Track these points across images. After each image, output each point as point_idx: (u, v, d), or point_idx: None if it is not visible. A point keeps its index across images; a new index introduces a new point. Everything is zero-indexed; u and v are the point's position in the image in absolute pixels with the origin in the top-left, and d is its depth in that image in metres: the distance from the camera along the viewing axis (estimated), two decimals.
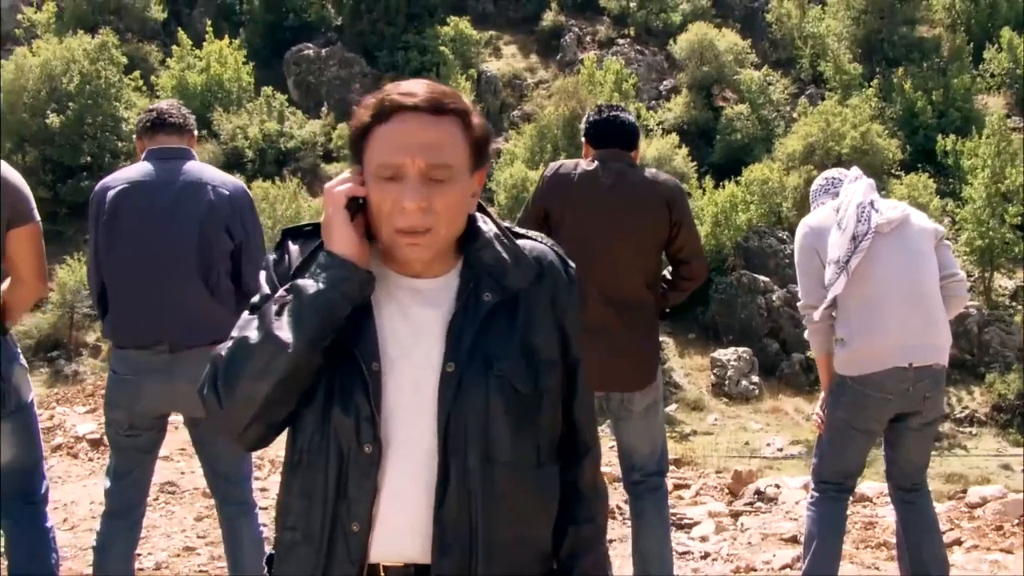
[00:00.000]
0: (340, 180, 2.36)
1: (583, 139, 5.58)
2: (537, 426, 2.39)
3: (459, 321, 2.34)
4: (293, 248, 2.43)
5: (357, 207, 2.34)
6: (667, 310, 5.67)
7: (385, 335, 2.34)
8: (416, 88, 2.31)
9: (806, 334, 5.61)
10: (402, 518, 2.30)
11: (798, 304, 5.62)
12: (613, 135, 5.47)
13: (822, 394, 5.66)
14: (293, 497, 2.37)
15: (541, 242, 2.51)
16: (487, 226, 2.45)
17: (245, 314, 2.36)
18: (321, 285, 2.27)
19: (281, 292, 2.32)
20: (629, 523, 5.72)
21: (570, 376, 2.49)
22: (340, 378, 2.31)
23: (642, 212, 5.32)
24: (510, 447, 2.33)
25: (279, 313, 2.27)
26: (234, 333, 2.32)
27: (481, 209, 2.48)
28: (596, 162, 5.38)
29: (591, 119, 5.57)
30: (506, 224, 2.51)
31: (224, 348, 2.31)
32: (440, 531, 2.28)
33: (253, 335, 2.28)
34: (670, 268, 5.61)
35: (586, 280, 5.16)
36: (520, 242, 2.47)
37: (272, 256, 2.45)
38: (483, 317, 2.35)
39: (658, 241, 5.38)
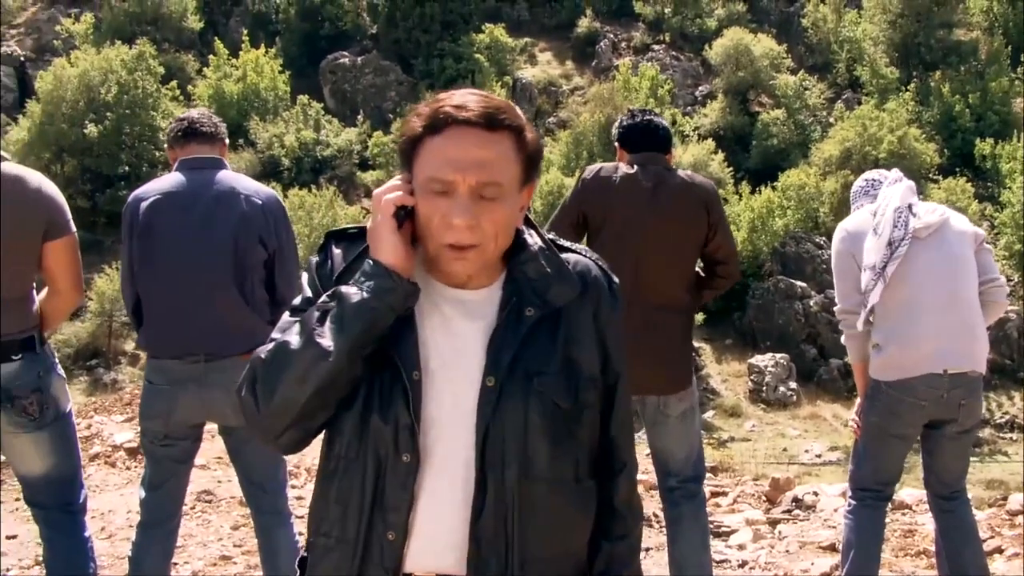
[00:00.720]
0: (390, 187, 2.34)
1: (616, 144, 5.59)
2: (576, 441, 2.39)
3: (500, 335, 2.34)
4: (336, 251, 2.43)
5: (405, 214, 2.32)
6: (700, 309, 5.66)
7: (427, 346, 2.34)
8: (470, 101, 2.29)
9: (843, 339, 5.57)
10: (437, 529, 2.30)
11: (835, 309, 5.59)
12: (648, 139, 5.49)
13: (858, 400, 5.62)
14: (329, 503, 2.37)
15: (585, 255, 2.51)
16: (532, 239, 2.45)
17: (286, 316, 2.37)
18: (365, 294, 2.26)
19: (324, 298, 2.31)
20: (665, 531, 5.68)
21: (609, 392, 2.48)
22: (380, 386, 2.30)
23: (682, 215, 5.33)
24: (548, 463, 2.33)
25: (321, 320, 2.26)
26: (275, 335, 2.33)
27: (528, 222, 2.47)
28: (635, 166, 5.37)
29: (624, 123, 5.59)
30: (550, 236, 2.50)
31: (264, 351, 2.31)
32: (476, 545, 2.28)
33: (294, 340, 2.28)
34: (702, 266, 5.60)
35: (625, 283, 5.19)
36: (564, 256, 2.47)
37: (315, 258, 2.45)
38: (525, 332, 2.34)
39: (697, 243, 5.40)
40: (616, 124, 5.71)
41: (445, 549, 2.30)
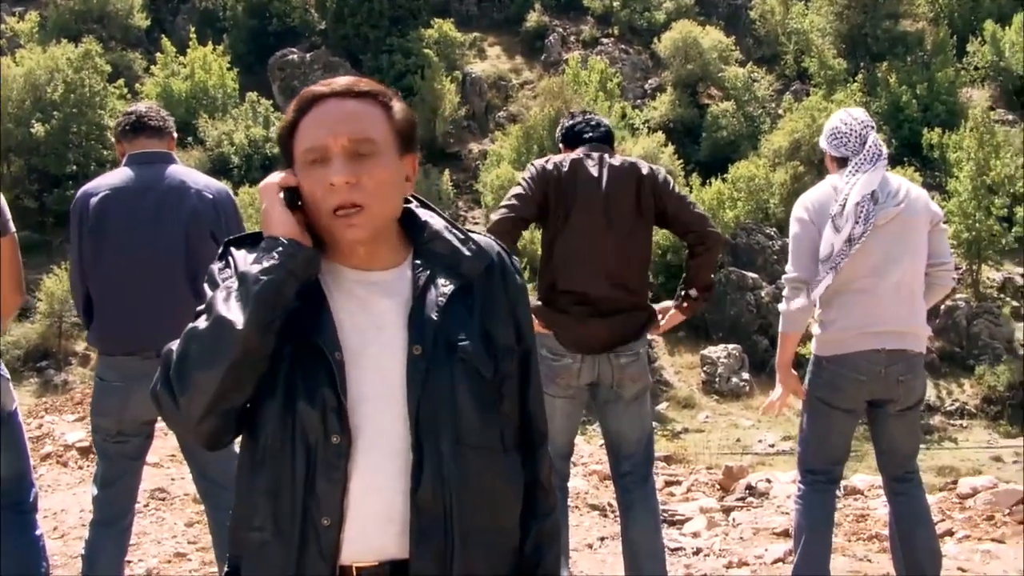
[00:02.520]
0: (273, 176, 2.41)
1: (560, 144, 5.71)
2: (499, 412, 2.42)
3: (419, 307, 2.37)
4: (238, 255, 2.43)
5: (293, 204, 2.37)
6: (705, 298, 5.67)
7: (345, 327, 2.35)
8: (336, 80, 2.42)
9: (782, 306, 5.56)
10: (375, 508, 2.29)
11: (784, 277, 5.54)
12: (591, 133, 5.60)
13: (775, 391, 5.73)
14: (258, 496, 2.34)
15: (484, 236, 2.57)
16: (434, 219, 2.50)
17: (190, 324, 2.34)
18: (265, 264, 2.28)
19: (227, 282, 2.32)
20: (619, 520, 5.72)
21: (524, 364, 2.53)
22: (303, 372, 2.31)
23: (625, 189, 5.42)
24: (478, 431, 2.36)
25: (226, 299, 2.27)
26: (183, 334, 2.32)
27: (423, 204, 2.53)
28: (582, 154, 5.49)
29: (565, 124, 5.77)
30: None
31: (174, 343, 2.31)
32: (417, 516, 2.28)
33: (202, 323, 2.28)
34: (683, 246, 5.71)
35: (588, 264, 5.27)
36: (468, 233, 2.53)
37: (216, 265, 2.45)
38: (444, 303, 2.37)
39: (649, 219, 5.48)
40: (559, 127, 5.87)
41: (384, 527, 2.29)
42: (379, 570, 2.30)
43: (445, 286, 2.39)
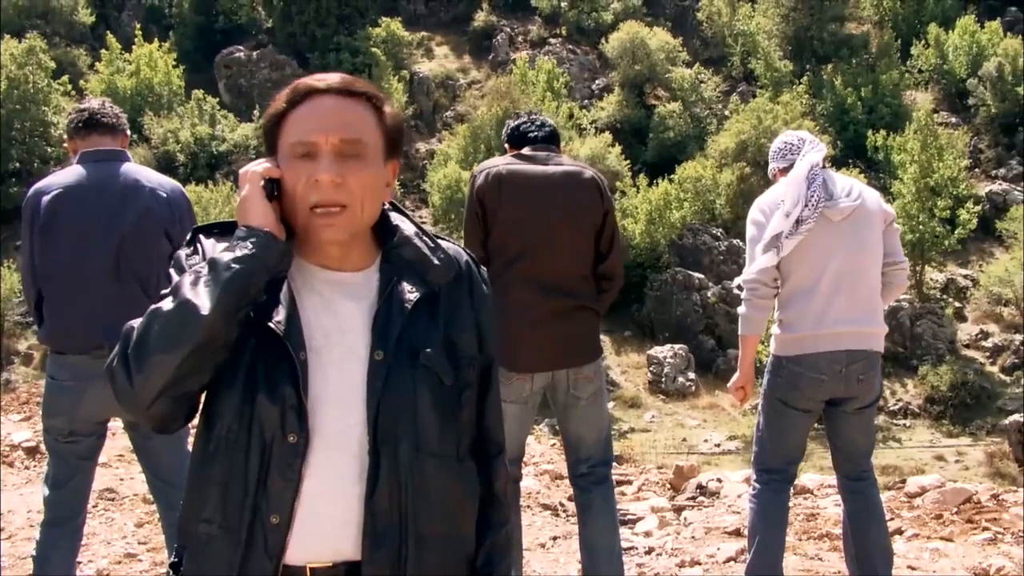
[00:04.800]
0: (256, 163, 2.39)
1: (506, 145, 5.71)
2: (457, 420, 2.43)
3: (384, 312, 2.36)
4: (207, 242, 2.42)
5: (272, 195, 2.36)
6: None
7: (310, 325, 2.34)
8: (330, 75, 2.41)
9: (741, 309, 5.59)
10: (330, 509, 2.28)
11: (742, 279, 5.56)
12: (535, 134, 5.60)
13: (737, 373, 5.72)
14: (209, 486, 2.32)
15: (454, 244, 2.57)
16: (405, 224, 2.50)
17: (152, 306, 2.29)
18: (239, 252, 2.26)
19: (197, 266, 2.29)
20: (574, 519, 5.72)
21: (485, 374, 2.53)
22: (265, 366, 2.29)
23: (579, 192, 5.42)
24: (438, 439, 2.36)
25: (195, 283, 2.24)
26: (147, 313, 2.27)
27: (397, 209, 2.53)
28: (528, 153, 5.50)
29: (511, 126, 5.76)
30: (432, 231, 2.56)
31: (136, 322, 2.27)
32: (371, 521, 2.28)
33: (167, 304, 2.24)
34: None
35: (525, 261, 5.26)
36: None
37: (184, 251, 2.43)
38: (409, 310, 2.37)
39: (593, 224, 5.46)
40: (504, 127, 5.87)
41: (339, 529, 2.28)
42: (334, 571, 2.30)
43: (411, 293, 2.39)
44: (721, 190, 42.06)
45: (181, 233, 5.00)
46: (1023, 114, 45.93)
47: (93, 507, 8.12)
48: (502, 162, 5.47)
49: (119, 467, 9.52)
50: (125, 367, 2.23)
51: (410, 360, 2.34)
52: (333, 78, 2.40)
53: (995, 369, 36.33)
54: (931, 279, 40.68)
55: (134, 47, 48.20)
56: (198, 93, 47.14)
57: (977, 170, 45.40)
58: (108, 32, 50.13)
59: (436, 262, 2.45)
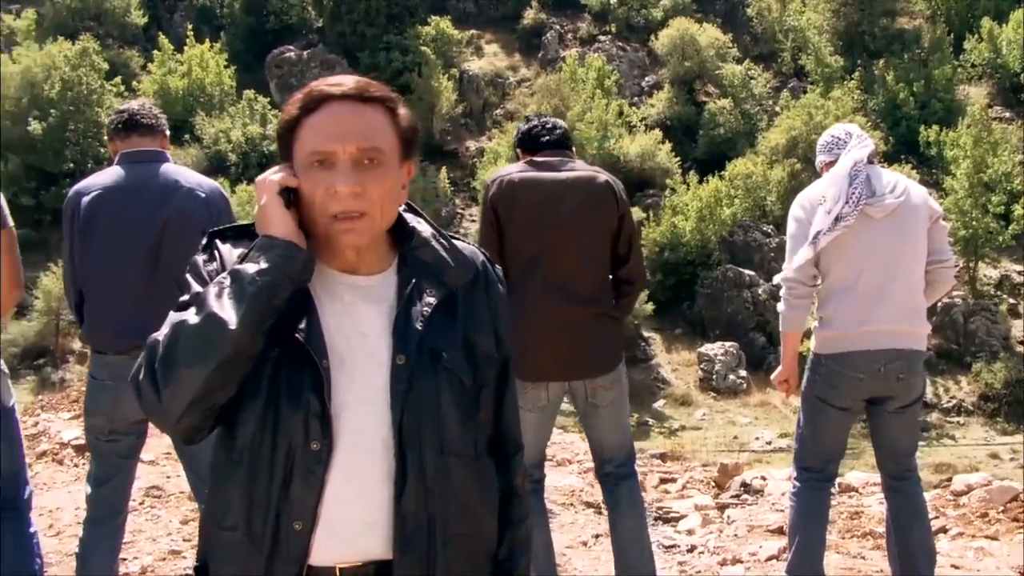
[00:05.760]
0: (272, 172, 2.38)
1: (517, 151, 5.69)
2: (476, 420, 2.44)
3: (404, 315, 2.37)
4: (224, 248, 2.42)
5: (289, 202, 2.35)
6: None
7: (331, 331, 2.34)
8: (343, 79, 2.38)
9: (780, 306, 5.57)
10: (355, 512, 2.29)
11: (781, 277, 5.54)
12: (546, 137, 5.58)
13: (780, 367, 5.72)
14: (233, 495, 2.33)
15: (470, 244, 2.58)
16: (422, 226, 2.50)
17: (172, 313, 2.31)
18: (263, 265, 2.26)
19: (220, 278, 2.29)
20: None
21: (502, 374, 2.54)
22: (287, 374, 2.29)
23: (593, 197, 5.41)
24: (460, 439, 2.37)
25: (219, 296, 2.24)
26: (167, 324, 2.28)
27: (412, 209, 2.53)
28: (539, 159, 5.49)
29: (521, 130, 5.72)
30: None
31: (160, 334, 2.27)
32: (401, 523, 2.28)
33: (192, 318, 2.24)
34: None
35: (541, 269, 5.26)
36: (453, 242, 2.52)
37: (200, 257, 2.43)
38: (428, 312, 2.38)
39: (608, 229, 5.44)
40: (515, 134, 5.83)
41: (366, 533, 2.30)
42: (364, 570, 2.31)
43: (430, 296, 2.40)
44: (772, 187, 41.81)
45: None
46: None
47: (139, 504, 8.21)
48: (515, 169, 5.47)
49: (166, 465, 9.59)
50: (152, 381, 2.24)
51: (432, 363, 2.35)
52: (347, 83, 2.38)
53: None
54: (985, 275, 40.25)
55: (186, 48, 48.49)
56: (249, 93, 47.35)
57: None
58: (160, 33, 50.44)
59: (453, 264, 2.46)
